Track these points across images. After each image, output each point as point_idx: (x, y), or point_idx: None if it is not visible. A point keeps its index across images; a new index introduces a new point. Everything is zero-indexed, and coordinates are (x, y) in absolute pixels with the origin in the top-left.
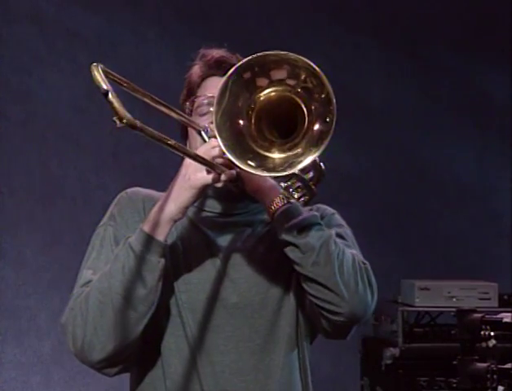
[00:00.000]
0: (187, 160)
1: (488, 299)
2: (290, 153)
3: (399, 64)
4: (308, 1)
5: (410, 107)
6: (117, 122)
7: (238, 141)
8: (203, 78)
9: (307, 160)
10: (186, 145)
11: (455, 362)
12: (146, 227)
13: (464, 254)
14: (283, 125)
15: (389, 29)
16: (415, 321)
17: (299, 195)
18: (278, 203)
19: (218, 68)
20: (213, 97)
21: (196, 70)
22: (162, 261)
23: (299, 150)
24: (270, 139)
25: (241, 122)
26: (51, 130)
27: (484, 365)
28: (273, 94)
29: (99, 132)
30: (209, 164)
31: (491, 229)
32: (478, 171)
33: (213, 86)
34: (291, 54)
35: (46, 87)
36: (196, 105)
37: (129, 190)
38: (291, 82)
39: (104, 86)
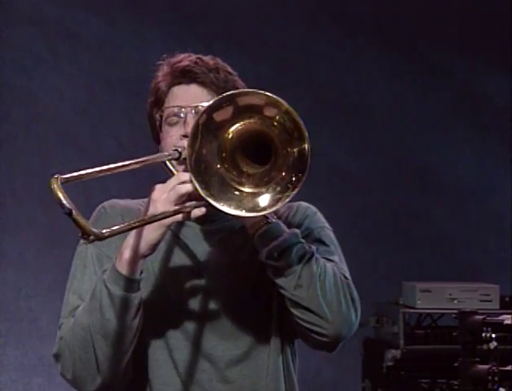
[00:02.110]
0: (155, 195)
1: (490, 301)
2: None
3: (400, 66)
4: (309, 2)
5: (411, 108)
6: (85, 240)
7: (215, 181)
8: (170, 87)
9: (293, 194)
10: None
11: (456, 364)
12: (118, 265)
13: (465, 256)
14: (258, 155)
15: (390, 31)
16: (416, 323)
17: None
18: (257, 223)
19: (183, 76)
20: (180, 107)
21: (163, 78)
22: (138, 295)
23: (278, 187)
24: (247, 172)
25: (216, 161)
26: (53, 132)
27: (485, 367)
28: (242, 127)
29: (100, 134)
30: (176, 212)
31: (492, 230)
32: (479, 172)
33: (180, 95)
34: (258, 91)
35: (47, 89)
36: (165, 115)
37: (106, 203)
38: (258, 115)
39: (68, 205)
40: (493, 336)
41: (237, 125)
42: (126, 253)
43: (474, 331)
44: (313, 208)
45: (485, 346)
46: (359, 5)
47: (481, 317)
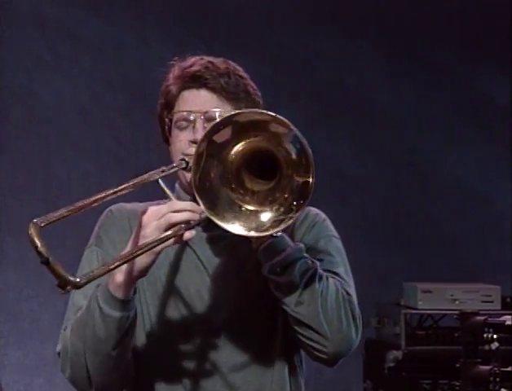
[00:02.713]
0: (145, 220)
1: (491, 301)
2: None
3: (401, 66)
4: (310, 2)
5: (412, 108)
6: (61, 289)
7: (219, 200)
8: (180, 91)
9: (296, 216)
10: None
11: (458, 365)
12: (111, 286)
13: (466, 257)
14: (262, 170)
15: (390, 31)
16: (418, 324)
17: None
18: (261, 237)
19: (194, 81)
20: (190, 111)
21: (174, 81)
22: (131, 314)
23: (282, 208)
24: (251, 189)
25: (221, 181)
26: (54, 132)
27: (487, 368)
28: (247, 145)
29: (101, 134)
30: (167, 239)
31: (493, 231)
32: (479, 173)
33: (190, 100)
34: (264, 111)
35: (48, 89)
36: (175, 119)
37: (113, 207)
38: (264, 133)
39: (45, 254)
40: (495, 336)
41: (242, 143)
42: (119, 277)
43: (476, 332)
44: (322, 215)
45: (487, 347)
46: (359, 5)
47: (482, 318)
